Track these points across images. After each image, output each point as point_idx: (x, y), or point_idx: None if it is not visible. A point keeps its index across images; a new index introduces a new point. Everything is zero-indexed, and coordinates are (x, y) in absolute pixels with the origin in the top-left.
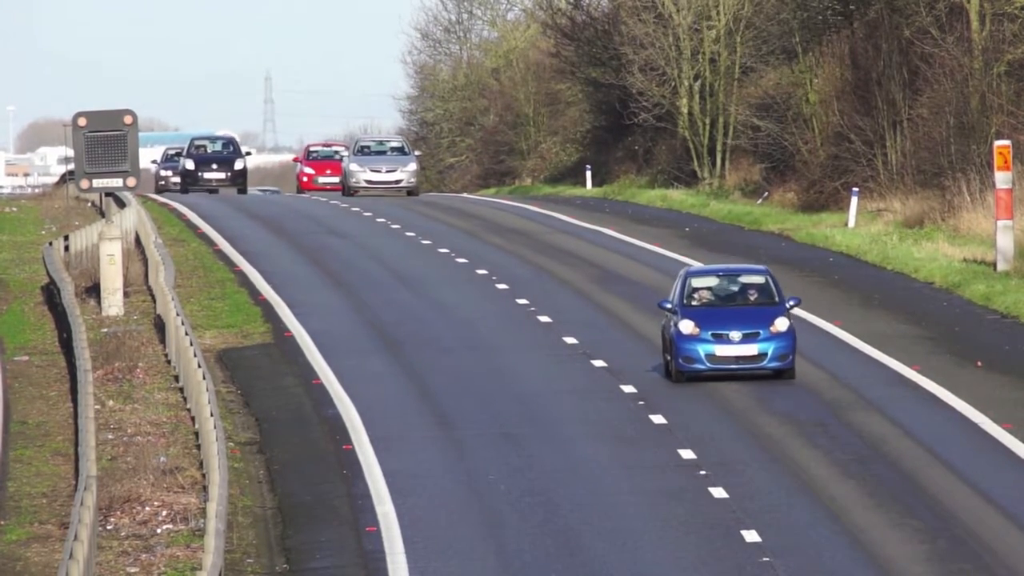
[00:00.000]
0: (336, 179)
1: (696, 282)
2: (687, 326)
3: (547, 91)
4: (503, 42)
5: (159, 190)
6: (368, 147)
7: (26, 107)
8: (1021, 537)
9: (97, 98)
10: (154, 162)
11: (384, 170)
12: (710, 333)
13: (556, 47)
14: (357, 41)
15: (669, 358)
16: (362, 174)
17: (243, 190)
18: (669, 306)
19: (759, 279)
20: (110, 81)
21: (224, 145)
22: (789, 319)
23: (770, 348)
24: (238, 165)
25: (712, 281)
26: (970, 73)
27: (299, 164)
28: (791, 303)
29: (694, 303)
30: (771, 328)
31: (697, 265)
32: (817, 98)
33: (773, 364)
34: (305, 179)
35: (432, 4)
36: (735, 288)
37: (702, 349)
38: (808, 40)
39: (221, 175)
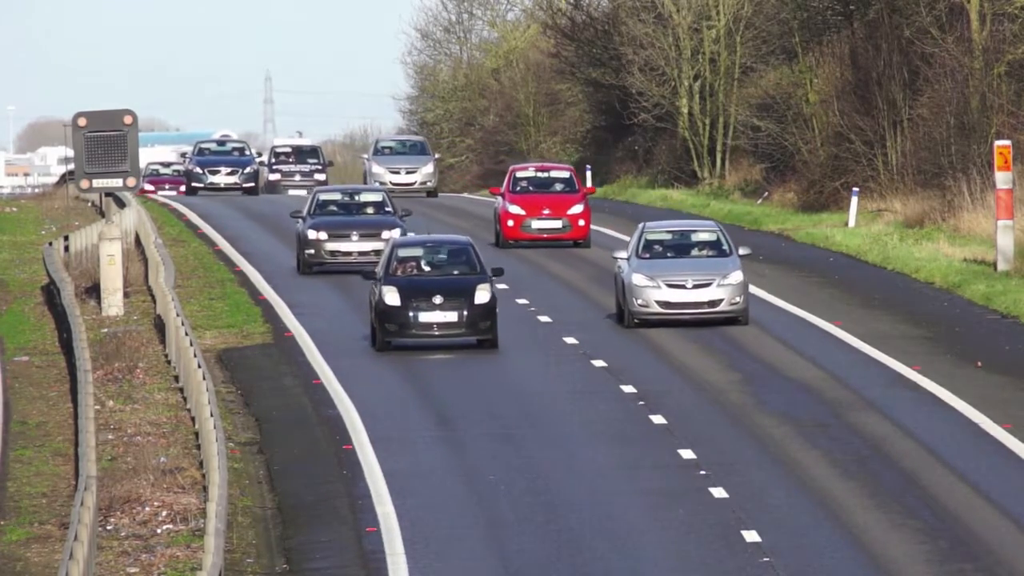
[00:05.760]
0: (558, 223)
1: None
2: None
3: (547, 91)
4: (503, 42)
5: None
6: (661, 242)
7: (26, 107)
8: (1021, 537)
9: (97, 98)
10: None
11: (690, 283)
12: None
13: (556, 47)
14: (357, 41)
15: None
16: (652, 291)
17: (491, 339)
18: None
19: None
20: (110, 81)
21: (447, 256)
22: None
23: None
24: (481, 297)
25: None
26: (970, 73)
27: (500, 200)
28: None
29: None
30: None
31: None
32: (817, 98)
33: None
34: (511, 223)
35: (432, 4)
36: None
37: None
38: (808, 40)
39: (451, 317)
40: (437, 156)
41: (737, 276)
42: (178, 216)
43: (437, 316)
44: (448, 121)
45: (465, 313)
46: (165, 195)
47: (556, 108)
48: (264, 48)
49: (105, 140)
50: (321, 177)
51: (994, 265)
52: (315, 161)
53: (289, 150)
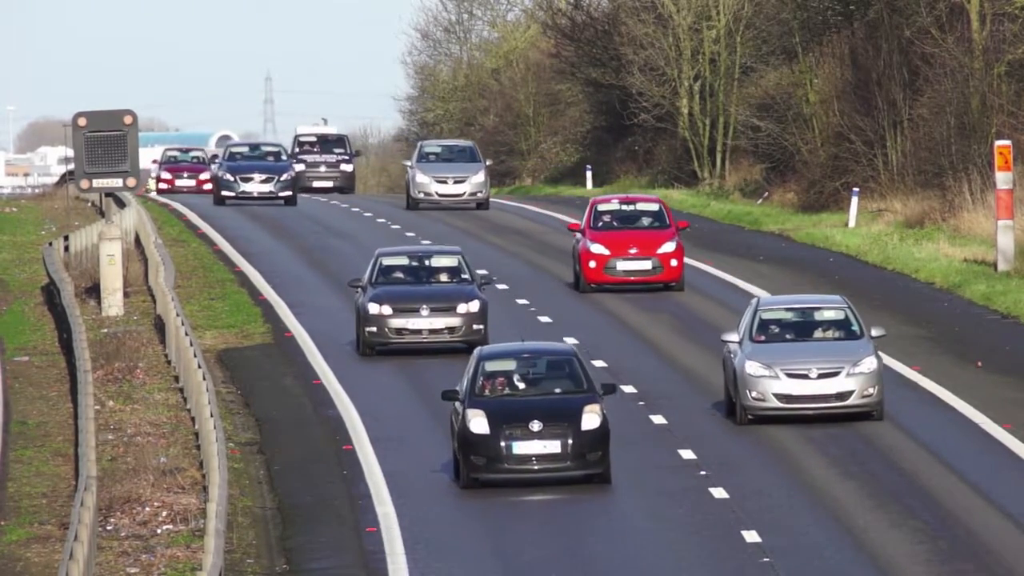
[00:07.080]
0: (647, 264)
1: None
2: None
3: (547, 91)
4: (503, 43)
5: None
6: (779, 322)
7: (26, 107)
8: (1021, 537)
9: (97, 98)
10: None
11: (815, 372)
12: None
13: (556, 47)
14: (357, 41)
15: None
16: (769, 382)
17: (602, 474)
18: None
19: None
20: (110, 81)
21: (546, 369)
22: None
23: None
24: (589, 422)
25: None
26: (971, 73)
27: (580, 237)
28: None
29: None
30: None
31: None
32: (817, 98)
33: None
34: (593, 265)
35: (432, 4)
36: None
37: None
38: (808, 40)
39: (554, 447)
40: (489, 163)
41: (870, 363)
42: (178, 216)
43: (536, 447)
44: (448, 121)
45: (570, 442)
46: (183, 184)
47: (556, 108)
48: (264, 48)
49: (105, 140)
50: (348, 168)
51: (994, 265)
52: (341, 151)
53: (314, 139)
